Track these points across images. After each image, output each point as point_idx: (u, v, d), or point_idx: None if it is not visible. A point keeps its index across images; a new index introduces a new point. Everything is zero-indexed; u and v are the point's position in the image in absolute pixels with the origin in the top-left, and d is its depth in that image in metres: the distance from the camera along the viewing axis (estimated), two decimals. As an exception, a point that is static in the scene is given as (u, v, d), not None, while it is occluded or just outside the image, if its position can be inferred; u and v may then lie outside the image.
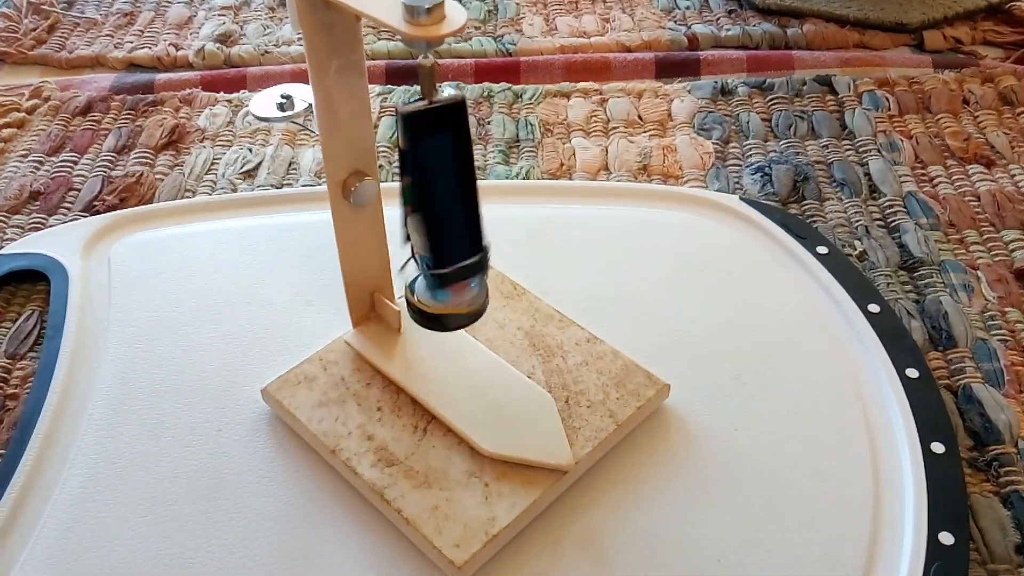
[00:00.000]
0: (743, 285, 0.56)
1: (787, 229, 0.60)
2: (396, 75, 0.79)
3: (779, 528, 0.44)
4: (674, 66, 0.80)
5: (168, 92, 0.77)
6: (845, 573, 0.42)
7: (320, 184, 0.67)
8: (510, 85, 0.77)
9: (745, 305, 0.55)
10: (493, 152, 0.70)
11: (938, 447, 0.47)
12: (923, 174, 0.67)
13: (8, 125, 0.74)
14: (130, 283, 0.57)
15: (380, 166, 0.69)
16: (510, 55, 0.82)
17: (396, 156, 0.70)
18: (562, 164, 0.69)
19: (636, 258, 0.58)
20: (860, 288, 0.56)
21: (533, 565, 0.42)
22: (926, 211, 0.63)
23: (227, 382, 0.51)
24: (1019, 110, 0.73)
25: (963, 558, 0.43)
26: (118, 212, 0.63)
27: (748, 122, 0.72)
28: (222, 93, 0.77)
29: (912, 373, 0.51)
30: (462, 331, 0.49)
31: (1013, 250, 0.60)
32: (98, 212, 0.65)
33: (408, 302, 0.43)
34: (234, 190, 0.67)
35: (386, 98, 0.76)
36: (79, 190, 0.67)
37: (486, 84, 0.77)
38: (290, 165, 0.69)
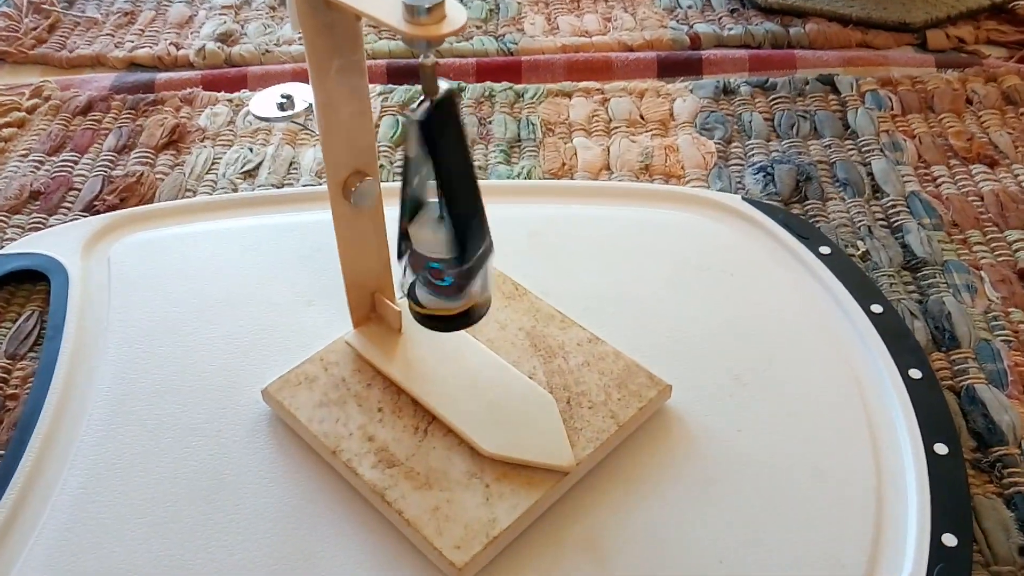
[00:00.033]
0: (745, 285, 0.56)
1: (789, 229, 0.60)
2: (397, 74, 0.79)
3: (781, 529, 0.43)
4: (676, 65, 0.79)
5: (169, 91, 0.77)
6: (847, 575, 0.42)
7: (321, 184, 0.67)
8: (512, 84, 0.77)
9: (747, 305, 0.55)
10: (495, 152, 0.70)
11: (941, 448, 0.47)
12: (926, 174, 0.67)
13: (8, 124, 0.74)
14: (130, 283, 0.57)
15: (381, 166, 0.69)
16: (511, 54, 0.81)
17: (397, 156, 0.70)
18: (564, 164, 0.69)
19: (638, 258, 0.58)
20: (863, 288, 0.56)
21: (534, 566, 0.42)
22: (929, 211, 0.63)
23: (227, 382, 0.51)
24: (1023, 110, 0.73)
25: (966, 560, 0.43)
26: (118, 212, 0.63)
27: (750, 122, 0.72)
28: (223, 93, 0.77)
29: (915, 374, 0.51)
30: (463, 332, 0.49)
31: (1016, 250, 0.60)
32: (98, 212, 0.65)
33: (418, 312, 0.43)
34: (235, 190, 0.67)
35: (387, 97, 0.76)
36: (79, 190, 0.67)
37: (487, 83, 0.77)
38: (291, 165, 0.69)
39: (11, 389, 0.53)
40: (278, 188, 0.66)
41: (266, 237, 0.60)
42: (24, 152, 0.71)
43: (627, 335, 0.52)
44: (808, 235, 0.60)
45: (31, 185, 0.67)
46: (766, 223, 0.61)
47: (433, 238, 0.40)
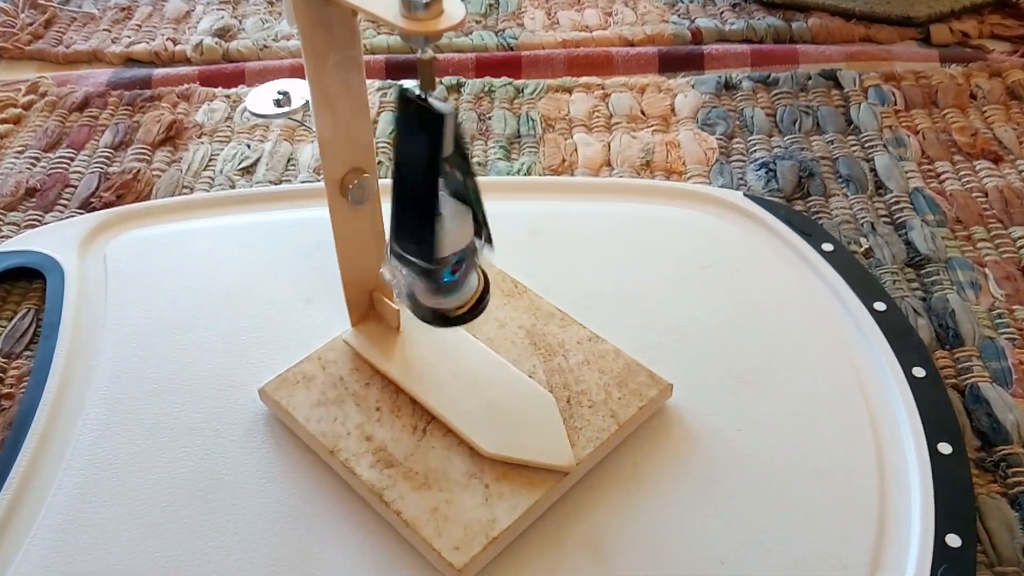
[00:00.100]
0: (747, 283, 0.56)
1: (792, 226, 0.60)
2: (396, 70, 0.78)
3: (783, 530, 0.43)
4: (677, 60, 0.79)
5: (166, 87, 0.76)
6: (849, 575, 0.41)
7: (319, 180, 0.66)
8: (511, 80, 0.76)
9: (749, 303, 0.54)
10: (494, 148, 0.69)
11: (945, 447, 0.47)
12: (930, 170, 0.66)
13: (4, 121, 0.73)
14: (127, 281, 0.56)
15: (379, 162, 0.68)
16: (511, 49, 0.81)
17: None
18: (564, 160, 0.68)
19: (639, 255, 0.58)
20: (866, 286, 0.55)
21: (534, 567, 0.42)
22: (933, 207, 0.63)
23: (225, 381, 0.50)
24: (1027, 105, 0.72)
25: (970, 560, 0.42)
26: (115, 209, 0.63)
27: (752, 117, 0.72)
28: (220, 88, 0.76)
29: (919, 372, 0.50)
30: (462, 330, 0.49)
31: (1021, 247, 0.59)
32: (95, 209, 0.64)
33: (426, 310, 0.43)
34: (232, 186, 0.66)
35: (386, 93, 0.75)
36: (76, 187, 0.67)
37: (487, 79, 0.76)
38: (289, 161, 0.69)
39: (7, 388, 0.52)
40: (276, 184, 0.66)
41: (264, 234, 0.60)
42: (20, 149, 0.71)
43: (627, 333, 0.51)
44: (810, 232, 0.59)
45: (27, 182, 0.67)
46: (768, 220, 0.60)
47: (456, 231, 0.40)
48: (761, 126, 0.71)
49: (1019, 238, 0.60)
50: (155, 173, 0.68)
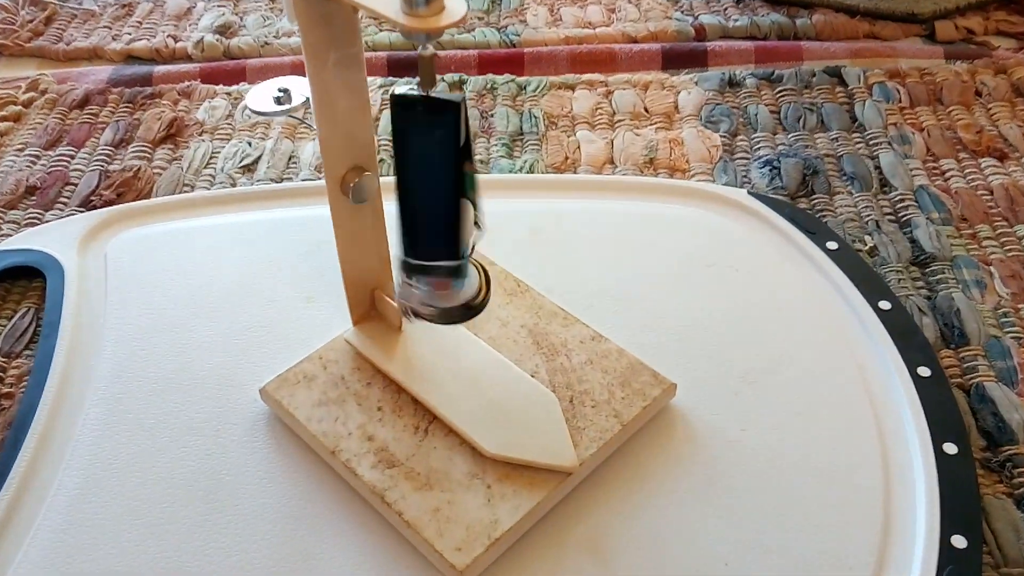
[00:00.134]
0: (751, 281, 0.55)
1: (796, 224, 0.59)
2: (398, 67, 0.78)
3: (787, 531, 0.43)
4: (681, 57, 0.78)
5: (166, 85, 0.76)
6: (855, 578, 0.41)
7: (321, 178, 0.66)
8: (514, 77, 0.76)
9: (753, 302, 0.54)
10: (496, 145, 0.69)
11: (950, 447, 0.46)
12: (935, 167, 0.66)
13: (4, 119, 0.73)
14: (127, 279, 0.56)
15: (380, 160, 0.68)
16: (514, 46, 0.81)
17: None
18: (567, 157, 0.68)
19: (642, 254, 0.57)
20: (870, 284, 0.55)
21: (536, 568, 0.42)
22: (938, 205, 0.62)
23: (225, 381, 0.50)
24: (1032, 102, 0.72)
25: (976, 562, 0.42)
26: (115, 207, 0.63)
27: (756, 114, 0.71)
28: (221, 86, 0.76)
29: (924, 371, 0.50)
30: (464, 329, 0.49)
31: (1027, 245, 0.59)
32: (95, 207, 0.64)
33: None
34: (233, 184, 0.66)
35: (387, 90, 0.75)
36: (76, 185, 0.66)
37: (489, 76, 0.76)
38: (290, 159, 0.68)
39: (6, 388, 0.52)
40: (277, 182, 0.66)
41: (265, 232, 0.59)
42: (20, 147, 0.70)
43: (631, 332, 0.51)
44: (815, 230, 0.59)
45: (27, 180, 0.67)
46: (772, 218, 0.60)
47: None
48: (765, 123, 0.70)
49: (1025, 236, 0.60)
50: (156, 171, 0.67)
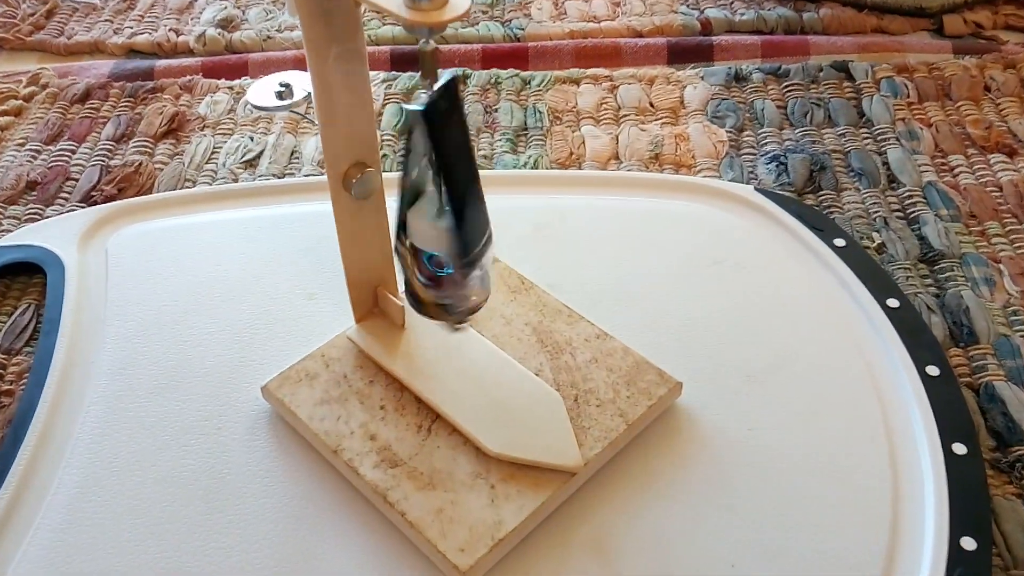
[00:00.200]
0: (757, 279, 0.55)
1: (803, 220, 0.59)
2: (401, 61, 0.77)
3: (794, 532, 0.42)
4: (686, 51, 0.78)
5: (168, 79, 0.76)
6: (863, 580, 0.40)
7: (323, 174, 0.65)
8: (518, 71, 0.75)
9: (759, 300, 0.53)
10: (500, 141, 0.68)
11: (959, 448, 0.46)
12: (943, 163, 0.65)
13: (5, 113, 0.72)
14: (128, 276, 0.56)
15: (384, 155, 0.67)
16: (518, 40, 0.80)
17: (400, 146, 0.68)
18: (571, 153, 0.67)
19: (647, 250, 0.57)
20: (878, 282, 0.54)
21: (540, 569, 0.41)
22: (946, 202, 0.61)
23: (227, 378, 0.49)
24: (1042, 97, 0.71)
25: (986, 564, 0.42)
26: (116, 202, 0.62)
27: (763, 109, 0.71)
28: (223, 80, 0.75)
29: (932, 371, 0.49)
30: (468, 327, 0.48)
31: (1037, 242, 0.58)
32: (96, 202, 0.63)
33: (425, 300, 0.42)
34: (235, 180, 0.65)
35: (390, 85, 0.74)
36: (77, 180, 0.66)
37: (493, 70, 0.75)
38: (292, 154, 0.68)
39: (6, 385, 0.52)
40: (279, 178, 0.65)
41: (267, 229, 0.59)
42: (21, 141, 0.70)
43: (636, 330, 0.51)
44: (822, 227, 0.58)
45: (28, 175, 0.66)
46: (779, 214, 0.59)
47: (433, 231, 0.39)
48: (772, 119, 0.70)
49: (1035, 233, 0.59)
50: (157, 166, 0.67)
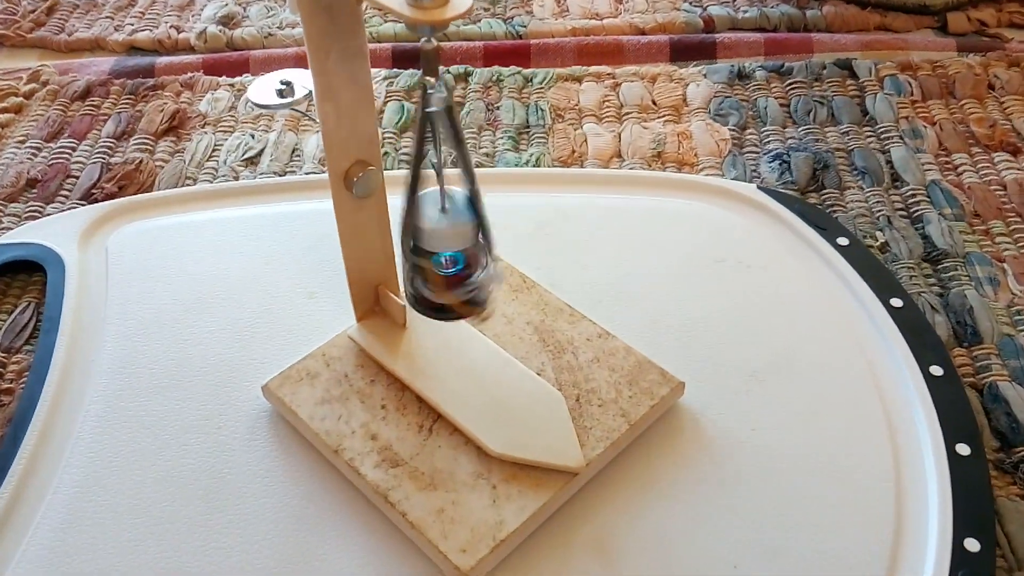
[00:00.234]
0: (760, 277, 0.54)
1: (806, 219, 0.58)
2: (403, 58, 0.77)
3: (797, 533, 0.42)
4: (689, 49, 0.77)
5: (169, 76, 0.75)
6: (867, 581, 0.40)
7: (325, 171, 0.65)
8: (520, 69, 0.75)
9: (762, 299, 0.53)
10: (502, 138, 0.68)
11: (963, 448, 0.45)
12: (947, 162, 0.65)
13: (5, 110, 0.72)
14: (128, 274, 0.55)
15: (385, 153, 0.67)
16: (520, 38, 0.80)
17: (402, 143, 0.68)
18: (573, 151, 0.67)
19: (649, 249, 0.56)
20: (882, 281, 0.54)
21: (542, 569, 0.41)
22: (950, 200, 0.61)
23: (227, 377, 0.49)
24: (1047, 95, 0.71)
25: (989, 565, 0.41)
26: (117, 200, 0.62)
27: (766, 107, 0.70)
28: (224, 77, 0.75)
29: (936, 370, 0.49)
30: (469, 326, 0.48)
31: (1041, 242, 0.58)
32: (96, 200, 0.63)
33: (429, 301, 0.41)
34: (236, 178, 0.65)
35: (392, 82, 0.74)
36: (77, 177, 0.66)
37: (495, 68, 0.75)
38: (293, 152, 0.68)
39: (6, 383, 0.51)
40: (280, 176, 0.65)
41: (268, 227, 0.59)
42: (21, 138, 0.70)
43: (638, 330, 0.50)
44: (825, 225, 0.58)
45: (28, 172, 0.66)
46: (782, 213, 0.59)
47: (453, 230, 0.39)
48: (775, 117, 0.69)
49: (1039, 233, 0.59)
50: (158, 164, 0.67)
